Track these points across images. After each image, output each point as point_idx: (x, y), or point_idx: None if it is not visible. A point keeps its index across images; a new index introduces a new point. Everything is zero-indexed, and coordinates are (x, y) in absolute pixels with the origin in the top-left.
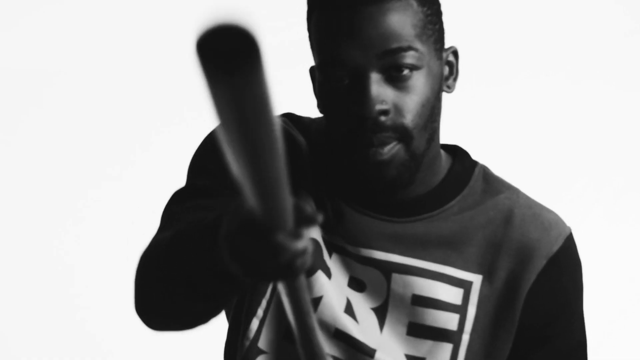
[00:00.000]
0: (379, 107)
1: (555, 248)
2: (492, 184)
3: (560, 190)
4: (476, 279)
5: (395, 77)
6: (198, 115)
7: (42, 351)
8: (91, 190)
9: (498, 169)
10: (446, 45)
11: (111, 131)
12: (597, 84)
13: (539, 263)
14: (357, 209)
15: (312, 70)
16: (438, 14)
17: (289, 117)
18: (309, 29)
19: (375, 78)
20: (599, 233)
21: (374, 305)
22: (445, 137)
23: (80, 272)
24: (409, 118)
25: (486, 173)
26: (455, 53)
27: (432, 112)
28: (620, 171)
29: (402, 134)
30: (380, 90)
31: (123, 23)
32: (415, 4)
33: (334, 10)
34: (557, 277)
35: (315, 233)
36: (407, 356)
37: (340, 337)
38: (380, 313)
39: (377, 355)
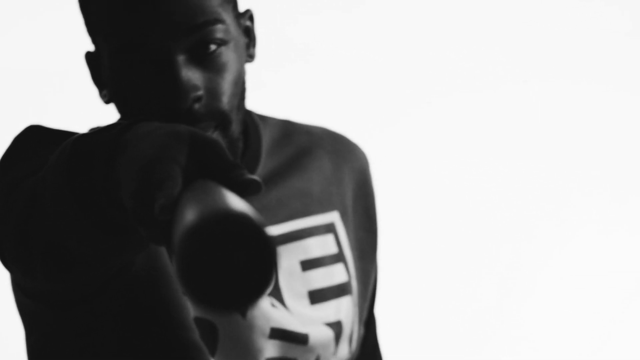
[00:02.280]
0: (192, 94)
1: (368, 164)
2: (272, 124)
3: (560, 194)
4: (335, 217)
5: (204, 56)
6: None
7: None
8: None
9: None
10: (240, 10)
11: None
12: (594, 86)
13: (371, 185)
14: None
15: (90, 56)
16: None
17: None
18: (87, 9)
19: (182, 60)
20: (599, 237)
21: None
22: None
23: None
24: (225, 101)
25: (257, 115)
26: (251, 17)
27: (243, 88)
28: (620, 174)
29: (220, 119)
30: (190, 74)
31: None
32: None
33: None
34: (375, 194)
35: None
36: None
37: (276, 335)
38: (276, 295)
39: (310, 340)
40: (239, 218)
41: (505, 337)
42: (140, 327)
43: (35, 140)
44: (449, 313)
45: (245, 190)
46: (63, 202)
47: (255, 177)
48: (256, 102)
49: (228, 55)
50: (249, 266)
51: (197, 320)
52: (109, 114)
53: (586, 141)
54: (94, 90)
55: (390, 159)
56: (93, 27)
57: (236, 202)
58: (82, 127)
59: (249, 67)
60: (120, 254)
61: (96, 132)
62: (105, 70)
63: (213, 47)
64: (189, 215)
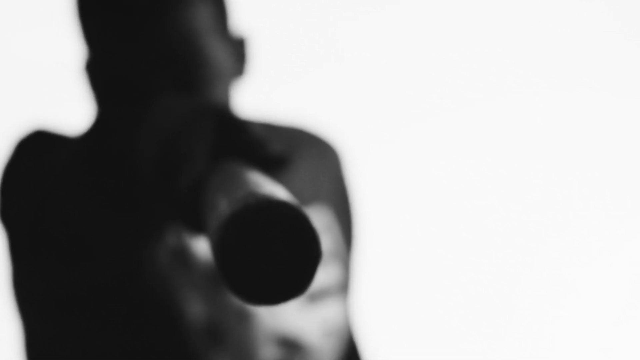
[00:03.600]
0: None
1: (343, 159)
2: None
3: (562, 201)
4: (324, 214)
5: (189, 86)
6: None
7: None
8: None
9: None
10: (233, 30)
11: None
12: (595, 92)
13: (346, 180)
14: None
15: (89, 68)
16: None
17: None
18: (80, 28)
19: (166, 90)
20: (605, 241)
21: None
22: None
23: None
24: None
25: None
26: (246, 43)
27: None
28: (624, 178)
29: None
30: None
31: None
32: None
33: (113, 13)
34: (352, 188)
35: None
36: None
37: (276, 339)
38: None
39: (308, 345)
40: (284, 206)
41: (508, 341)
42: (138, 330)
43: (40, 146)
44: (451, 316)
45: (272, 166)
46: (79, 177)
47: (281, 151)
48: (285, 104)
49: (216, 90)
50: (292, 257)
51: (202, 325)
52: None
53: (591, 145)
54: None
55: (411, 163)
56: (85, 43)
57: (277, 190)
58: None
59: (280, 70)
60: (128, 240)
61: (116, 107)
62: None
63: (197, 78)
64: (225, 202)
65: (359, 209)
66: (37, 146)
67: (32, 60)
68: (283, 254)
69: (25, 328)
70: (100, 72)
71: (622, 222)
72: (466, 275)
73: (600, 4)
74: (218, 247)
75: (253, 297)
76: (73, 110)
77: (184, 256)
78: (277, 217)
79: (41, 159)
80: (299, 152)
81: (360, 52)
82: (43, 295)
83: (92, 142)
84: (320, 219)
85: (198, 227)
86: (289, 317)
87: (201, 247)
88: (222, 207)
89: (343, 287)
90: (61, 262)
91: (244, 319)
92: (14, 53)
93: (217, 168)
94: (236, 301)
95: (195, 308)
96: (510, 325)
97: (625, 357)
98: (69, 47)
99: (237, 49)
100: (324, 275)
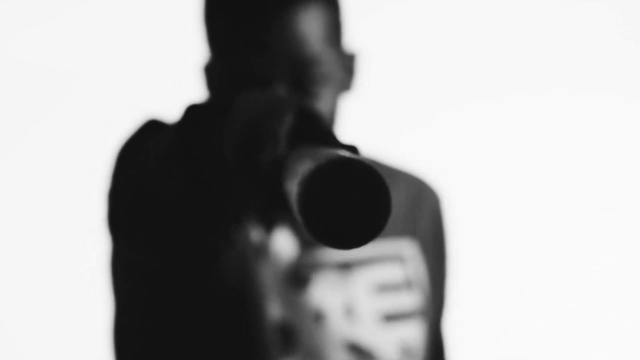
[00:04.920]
0: None
1: (442, 201)
2: None
3: (564, 204)
4: (414, 244)
5: (302, 90)
6: None
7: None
8: None
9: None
10: (347, 46)
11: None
12: (596, 92)
13: (443, 219)
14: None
15: (209, 68)
16: (342, 11)
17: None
18: (207, 28)
19: (282, 90)
20: (609, 245)
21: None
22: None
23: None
24: None
25: None
26: (356, 58)
27: (333, 121)
28: (626, 180)
29: None
30: None
31: (153, 28)
32: (322, 4)
33: (237, 16)
34: (448, 227)
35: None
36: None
37: (350, 348)
38: (352, 311)
39: (380, 357)
40: (361, 163)
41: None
42: (220, 322)
43: (150, 131)
44: (457, 314)
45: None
46: (170, 161)
47: (352, 143)
48: None
49: (323, 92)
50: (366, 208)
51: (275, 324)
52: (113, 122)
53: (594, 145)
54: (119, 92)
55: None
56: (208, 44)
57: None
58: (102, 128)
59: None
60: (213, 227)
61: (208, 100)
62: (214, 81)
63: (314, 83)
64: (307, 163)
65: (453, 248)
66: (148, 131)
67: (28, 62)
68: (359, 203)
69: (115, 304)
70: (219, 73)
71: (626, 221)
72: (472, 273)
73: (602, 4)
74: (303, 195)
75: (331, 240)
76: (70, 110)
77: (265, 254)
78: (355, 171)
79: (148, 143)
80: (396, 187)
81: (364, 51)
82: (131, 274)
83: (184, 126)
84: (405, 250)
85: (278, 203)
86: (365, 328)
87: (281, 246)
88: (305, 167)
89: (423, 314)
90: (149, 243)
91: (318, 322)
92: (10, 54)
93: (295, 148)
94: (311, 303)
95: (272, 306)
96: (525, 325)
97: (627, 356)
98: (66, 48)
99: (348, 63)
100: (404, 299)
